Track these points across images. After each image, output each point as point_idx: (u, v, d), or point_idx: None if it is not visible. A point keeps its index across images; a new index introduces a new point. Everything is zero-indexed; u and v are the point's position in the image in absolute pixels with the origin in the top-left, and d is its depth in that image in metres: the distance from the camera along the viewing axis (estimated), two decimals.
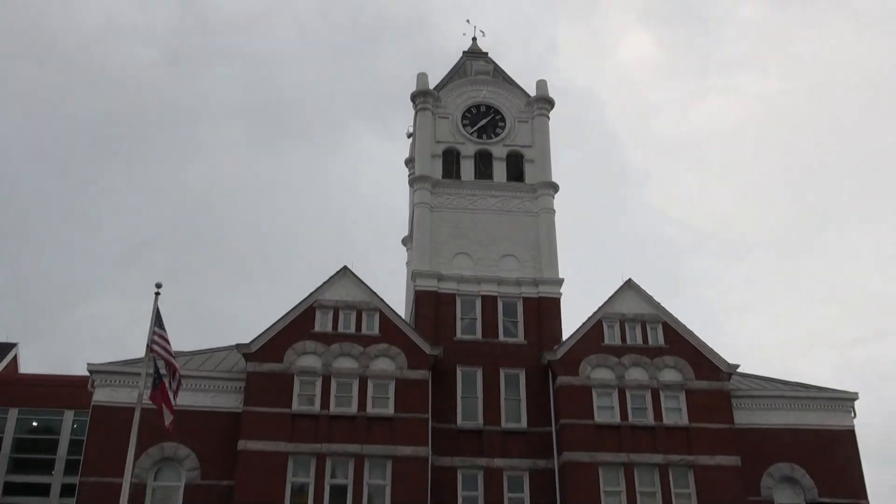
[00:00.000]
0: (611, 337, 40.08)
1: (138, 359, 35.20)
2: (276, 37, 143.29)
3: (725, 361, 39.59)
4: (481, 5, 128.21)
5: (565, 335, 40.53)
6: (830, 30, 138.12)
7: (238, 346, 38.28)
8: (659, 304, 40.85)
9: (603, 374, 39.08)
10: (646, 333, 40.26)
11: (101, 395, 37.39)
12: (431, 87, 48.01)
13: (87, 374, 38.00)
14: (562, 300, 42.24)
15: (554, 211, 44.67)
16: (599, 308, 40.54)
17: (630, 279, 41.21)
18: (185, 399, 35.11)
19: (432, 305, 41.32)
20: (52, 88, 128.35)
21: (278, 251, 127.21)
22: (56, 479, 48.77)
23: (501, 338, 41.20)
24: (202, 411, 37.28)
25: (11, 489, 48.14)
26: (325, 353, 38.22)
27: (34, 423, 50.50)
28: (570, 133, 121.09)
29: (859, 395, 40.35)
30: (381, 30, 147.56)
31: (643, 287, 41.21)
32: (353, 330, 39.12)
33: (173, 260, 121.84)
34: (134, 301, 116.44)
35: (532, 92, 48.44)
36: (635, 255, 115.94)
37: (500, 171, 45.84)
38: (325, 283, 39.80)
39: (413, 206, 45.63)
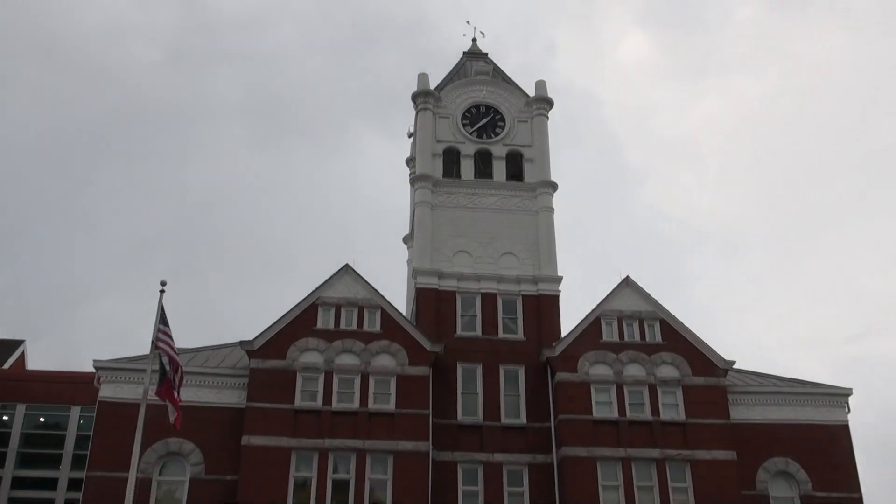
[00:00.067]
0: (609, 334, 40.52)
1: (143, 355, 35.81)
2: (277, 37, 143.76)
3: (722, 358, 40.00)
4: (481, 6, 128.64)
5: (564, 332, 40.97)
6: (828, 30, 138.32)
7: (241, 343, 38.78)
8: (656, 301, 41.28)
9: (601, 371, 39.55)
10: (643, 330, 40.70)
11: (106, 391, 37.86)
12: (432, 87, 48.46)
13: (94, 370, 38.44)
14: (561, 298, 42.73)
15: (553, 210, 45.14)
16: (598, 305, 40.97)
17: (628, 277, 41.70)
18: (190, 395, 35.74)
19: (433, 303, 41.78)
20: (54, 88, 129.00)
21: (280, 250, 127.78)
22: (63, 473, 49.16)
23: (501, 335, 41.65)
24: (206, 407, 37.72)
25: (20, 483, 48.58)
26: (327, 350, 38.73)
27: (41, 419, 50.92)
28: (569, 133, 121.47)
29: (853, 390, 40.70)
30: (382, 30, 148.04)
31: (642, 285, 41.68)
32: (354, 327, 39.58)
33: (176, 259, 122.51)
34: (138, 299, 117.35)
35: (531, 92, 48.85)
36: (634, 253, 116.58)
37: (499, 170, 46.31)
38: (327, 281, 40.26)
39: (414, 204, 46.15)
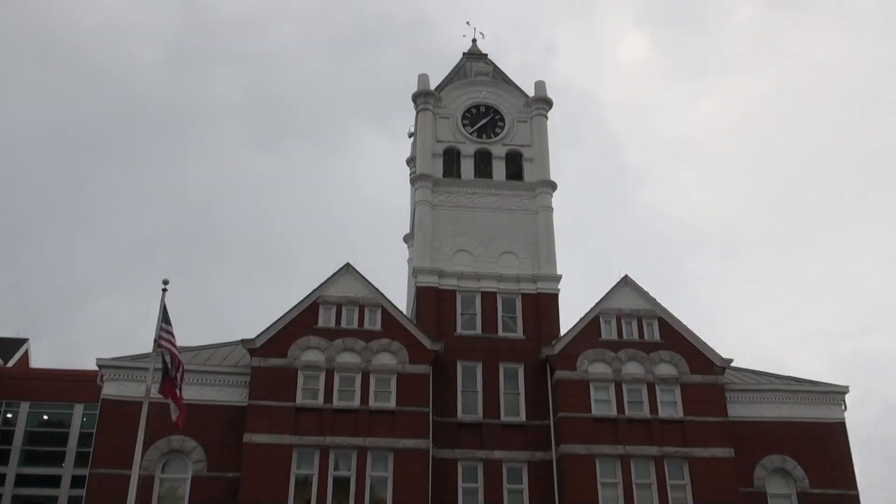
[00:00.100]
0: (607, 332, 40.78)
1: (146, 354, 36.19)
2: (277, 37, 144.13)
3: (719, 356, 40.26)
4: (481, 6, 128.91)
5: (563, 331, 41.19)
6: (828, 30, 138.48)
7: (243, 341, 39.03)
8: (655, 300, 41.54)
9: (600, 369, 39.82)
10: (642, 329, 40.96)
11: (109, 389, 38.08)
12: (432, 87, 48.74)
13: (96, 368, 38.70)
14: (560, 296, 42.97)
15: (552, 209, 45.40)
16: (596, 304, 41.22)
17: (626, 275, 41.94)
18: (192, 393, 35.89)
19: (433, 301, 42.04)
20: (54, 88, 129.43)
21: (280, 250, 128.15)
22: (66, 470, 49.50)
23: (501, 333, 41.90)
24: (208, 405, 37.94)
25: (24, 481, 48.94)
26: (328, 349, 39.00)
27: (45, 417, 51.27)
28: (569, 133, 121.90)
29: (850, 388, 41.02)
30: (382, 30, 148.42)
31: (641, 285, 41.93)
32: (355, 325, 39.83)
33: (176, 259, 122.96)
34: (139, 299, 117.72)
35: (531, 92, 49.10)
36: (634, 253, 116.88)
37: (499, 169, 46.58)
38: (328, 280, 40.50)
39: (414, 204, 46.42)
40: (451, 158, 46.80)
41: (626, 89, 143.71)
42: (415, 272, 43.18)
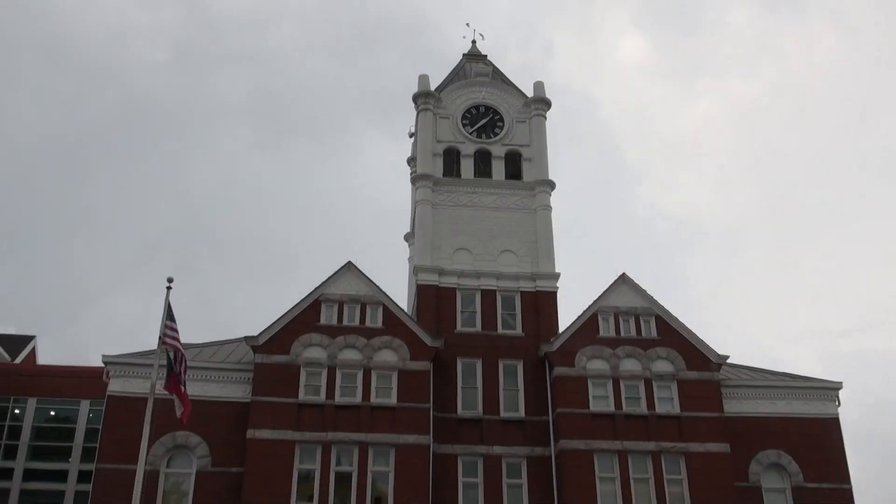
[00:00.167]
0: (605, 329, 41.22)
1: (151, 351, 36.47)
2: (279, 37, 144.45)
3: (715, 353, 40.66)
4: (481, 7, 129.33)
5: (562, 328, 41.63)
6: (825, 31, 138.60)
7: (246, 338, 39.49)
8: (652, 297, 41.95)
9: (598, 365, 40.26)
10: (639, 326, 41.41)
11: (115, 386, 38.51)
12: (432, 88, 49.22)
13: (103, 365, 39.03)
14: (558, 294, 43.45)
15: (551, 208, 45.85)
16: (594, 301, 41.64)
17: (624, 273, 42.35)
18: (196, 389, 36.45)
19: (433, 299, 42.52)
20: (56, 88, 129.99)
21: (281, 249, 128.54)
22: (73, 465, 49.81)
23: (500, 330, 42.36)
24: (212, 401, 38.38)
25: (31, 475, 49.33)
26: (330, 346, 39.49)
27: (52, 413, 51.53)
28: (568, 133, 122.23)
29: (843, 384, 41.46)
30: (383, 31, 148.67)
31: (640, 283, 42.35)
32: (357, 323, 40.29)
33: (179, 258, 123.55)
34: (142, 297, 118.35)
35: (530, 93, 49.54)
36: (633, 252, 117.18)
37: (498, 169, 47.05)
38: (330, 278, 40.96)
39: (415, 203, 46.93)
40: (451, 158, 47.29)
41: (624, 89, 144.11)
42: (415, 270, 43.68)
